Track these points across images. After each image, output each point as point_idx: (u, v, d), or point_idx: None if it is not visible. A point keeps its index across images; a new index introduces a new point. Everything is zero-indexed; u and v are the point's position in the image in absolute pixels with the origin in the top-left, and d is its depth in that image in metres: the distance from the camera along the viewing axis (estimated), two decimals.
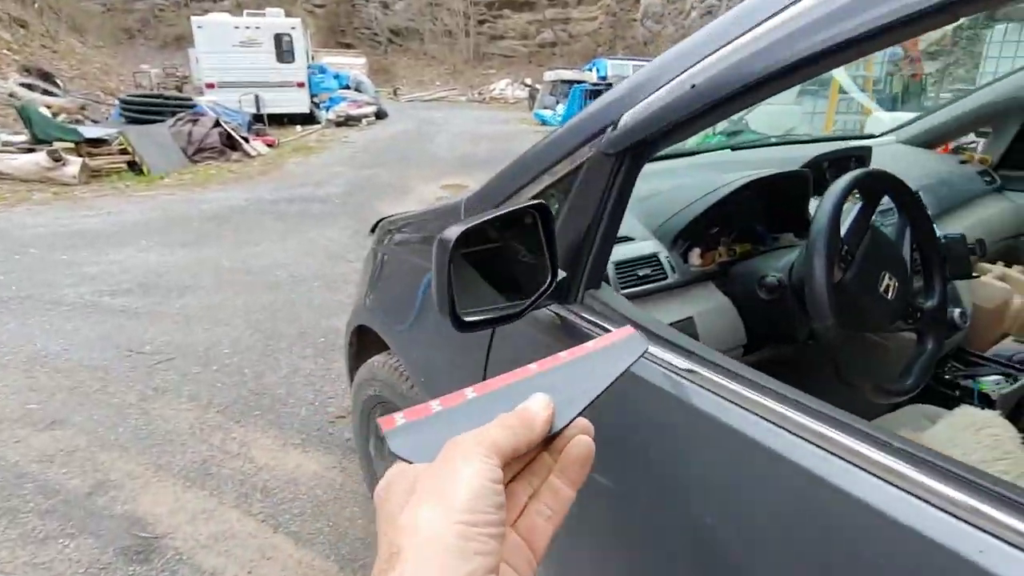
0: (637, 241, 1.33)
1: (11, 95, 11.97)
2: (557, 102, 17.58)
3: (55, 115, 10.40)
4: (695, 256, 1.38)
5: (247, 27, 15.07)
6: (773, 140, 2.80)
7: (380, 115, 16.96)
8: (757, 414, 0.67)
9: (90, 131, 8.77)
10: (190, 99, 11.91)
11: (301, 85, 15.38)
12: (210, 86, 14.50)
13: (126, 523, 2.18)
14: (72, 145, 8.14)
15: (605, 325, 0.92)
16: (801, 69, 0.62)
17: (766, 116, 5.50)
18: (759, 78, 0.65)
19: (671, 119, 0.78)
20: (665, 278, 1.30)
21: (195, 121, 10.22)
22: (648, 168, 0.94)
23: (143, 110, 10.84)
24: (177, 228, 5.68)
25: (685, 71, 0.74)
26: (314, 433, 2.68)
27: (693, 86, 0.73)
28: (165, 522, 2.19)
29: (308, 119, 15.18)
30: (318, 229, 5.77)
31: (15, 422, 2.72)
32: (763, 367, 0.76)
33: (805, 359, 1.34)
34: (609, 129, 0.88)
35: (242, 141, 10.50)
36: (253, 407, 2.88)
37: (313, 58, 18.85)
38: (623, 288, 1.24)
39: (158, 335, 3.55)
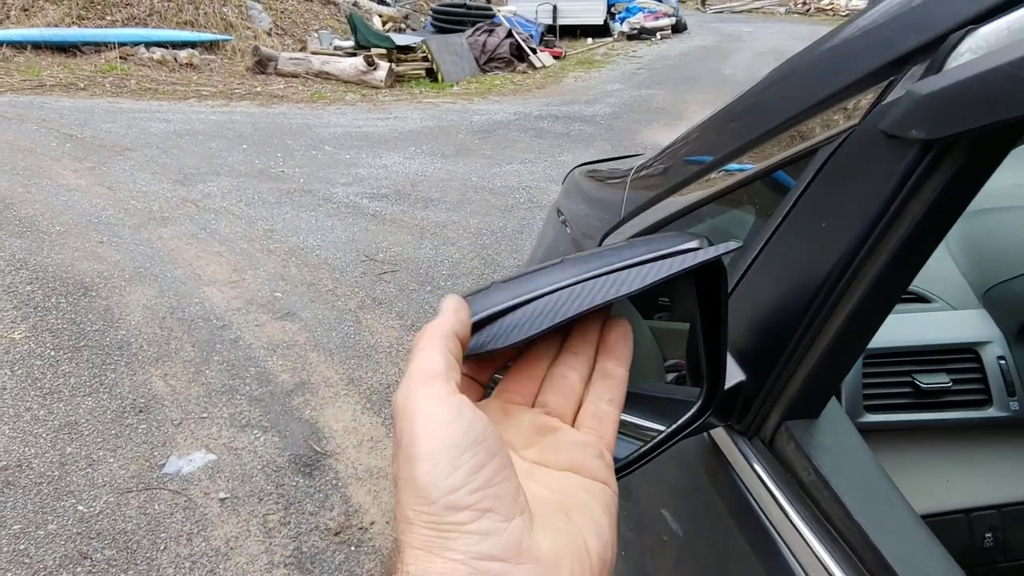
0: (936, 307, 0.72)
1: (354, 4, 13.75)
2: None
3: (384, 23, 11.67)
4: None
5: None
6: None
7: (678, 28, 15.69)
8: None
9: (401, 39, 9.60)
10: (491, 9, 12.31)
11: None
12: None
13: (308, 431, 2.29)
14: (385, 51, 9.01)
15: (806, 475, 0.48)
16: None
17: None
18: None
19: None
20: (988, 403, 0.69)
21: (490, 31, 10.56)
22: None
23: (449, 19, 11.52)
24: (444, 138, 5.92)
25: None
26: None
27: None
28: (337, 440, 2.25)
29: (601, 31, 14.71)
30: (572, 152, 5.51)
31: (261, 307, 3.07)
32: None
33: None
34: (910, 71, 0.43)
35: (530, 52, 10.59)
36: None
37: None
38: (874, 409, 0.68)
39: (393, 244, 3.71)
